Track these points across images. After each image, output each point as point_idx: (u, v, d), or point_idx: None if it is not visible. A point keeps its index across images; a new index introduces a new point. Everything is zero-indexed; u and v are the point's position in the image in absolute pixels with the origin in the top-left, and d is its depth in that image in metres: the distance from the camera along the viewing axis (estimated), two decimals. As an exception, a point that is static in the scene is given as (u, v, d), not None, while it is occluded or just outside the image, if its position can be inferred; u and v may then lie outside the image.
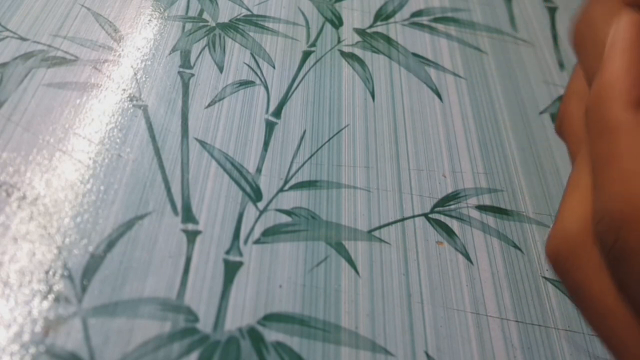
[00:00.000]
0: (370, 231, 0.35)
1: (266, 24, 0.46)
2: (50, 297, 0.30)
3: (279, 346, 0.30)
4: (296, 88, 0.42)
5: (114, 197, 0.34)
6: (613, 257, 0.17)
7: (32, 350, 0.28)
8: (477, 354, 0.31)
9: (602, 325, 0.17)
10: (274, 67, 0.43)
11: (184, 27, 0.45)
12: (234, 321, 0.31)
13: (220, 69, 0.42)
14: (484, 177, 0.39)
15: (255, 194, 0.36)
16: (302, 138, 0.39)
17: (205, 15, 0.46)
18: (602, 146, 0.18)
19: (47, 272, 0.31)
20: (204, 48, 0.43)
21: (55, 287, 0.30)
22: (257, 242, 0.34)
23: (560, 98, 0.46)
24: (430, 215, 0.37)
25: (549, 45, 0.50)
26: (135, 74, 0.41)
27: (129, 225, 0.33)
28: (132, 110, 0.38)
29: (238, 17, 0.46)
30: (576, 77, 0.25)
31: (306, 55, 0.45)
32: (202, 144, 0.38)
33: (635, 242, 0.16)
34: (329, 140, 0.40)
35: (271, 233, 0.34)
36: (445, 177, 0.39)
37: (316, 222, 0.35)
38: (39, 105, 0.38)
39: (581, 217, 0.18)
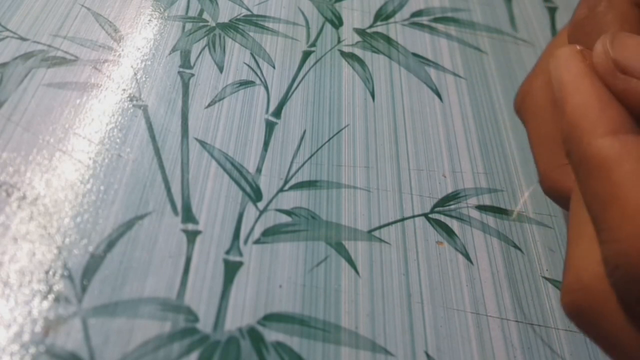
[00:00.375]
0: (370, 231, 0.35)
1: (266, 24, 0.46)
2: (50, 297, 0.30)
3: (279, 346, 0.30)
4: (296, 88, 0.42)
5: (114, 197, 0.34)
6: None
7: (32, 350, 0.28)
8: (477, 354, 0.31)
9: None
10: (274, 67, 0.43)
11: (184, 27, 0.45)
12: (234, 321, 0.31)
13: (220, 69, 0.42)
14: (484, 177, 0.39)
15: (255, 194, 0.36)
16: (302, 138, 0.39)
17: (205, 15, 0.46)
18: (596, 186, 0.16)
19: (47, 272, 0.31)
20: (204, 48, 0.43)
21: (55, 287, 0.30)
22: (257, 242, 0.34)
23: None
24: (430, 215, 0.37)
25: (549, 45, 0.50)
26: (135, 74, 0.41)
27: (129, 225, 0.33)
28: (132, 110, 0.39)
29: (238, 17, 0.46)
30: (546, 58, 0.25)
31: (306, 55, 0.45)
32: (202, 144, 0.38)
33: None
34: (329, 140, 0.40)
35: (271, 233, 0.34)
36: (445, 177, 0.39)
37: (316, 222, 0.35)
38: (39, 105, 0.38)
39: (595, 263, 0.17)
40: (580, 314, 0.17)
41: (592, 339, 0.17)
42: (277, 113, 0.40)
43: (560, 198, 0.24)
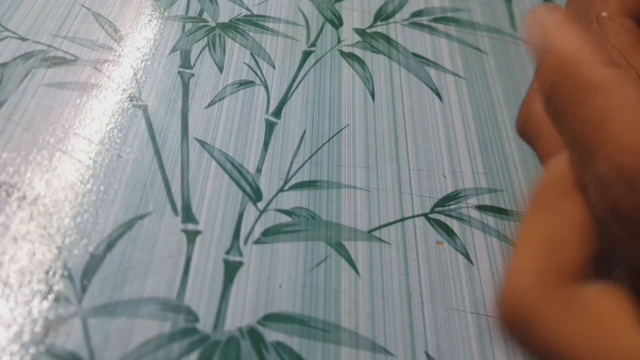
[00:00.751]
0: (370, 231, 0.35)
1: (266, 24, 0.46)
2: (50, 297, 0.30)
3: (279, 346, 0.30)
4: (296, 88, 0.42)
5: (114, 197, 0.34)
6: (626, 217, 0.15)
7: (32, 350, 0.28)
8: (477, 354, 0.31)
9: None
10: (274, 67, 0.43)
11: (184, 27, 0.45)
12: (234, 321, 0.31)
13: (220, 69, 0.42)
14: (484, 177, 0.39)
15: (255, 194, 0.36)
16: (302, 138, 0.39)
17: (205, 15, 0.46)
18: (592, 110, 0.16)
19: (47, 272, 0.31)
20: (204, 48, 0.43)
21: (55, 287, 0.30)
22: (257, 242, 0.34)
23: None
24: (430, 215, 0.37)
25: (549, 45, 0.50)
26: (135, 74, 0.41)
27: (129, 225, 0.33)
28: (132, 110, 0.39)
29: (238, 17, 0.46)
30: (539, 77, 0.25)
31: (306, 55, 0.45)
32: (202, 144, 0.38)
33: None
34: (329, 140, 0.40)
35: (271, 233, 0.34)
36: (445, 177, 0.39)
37: (316, 222, 0.35)
38: (39, 105, 0.38)
39: (536, 269, 0.16)
40: (519, 322, 0.16)
41: (530, 349, 0.17)
42: (277, 113, 0.40)
43: None
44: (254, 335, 0.30)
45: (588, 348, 0.15)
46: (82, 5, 0.45)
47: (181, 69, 0.42)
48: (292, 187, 0.37)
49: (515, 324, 0.17)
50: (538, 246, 0.17)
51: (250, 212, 0.35)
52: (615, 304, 0.15)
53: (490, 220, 0.37)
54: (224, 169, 0.37)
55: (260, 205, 0.35)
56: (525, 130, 0.24)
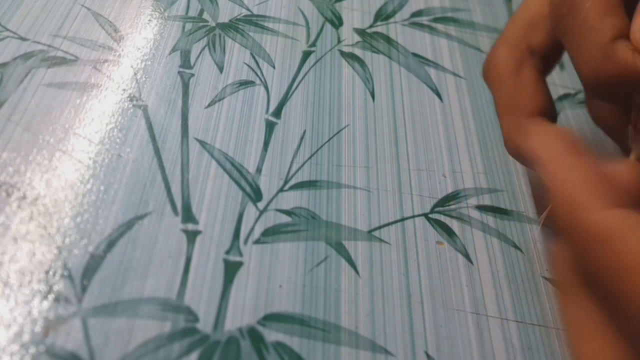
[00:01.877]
0: (370, 231, 0.35)
1: (266, 24, 0.46)
2: (50, 297, 0.30)
3: (279, 346, 0.30)
4: (296, 88, 0.42)
5: (114, 197, 0.34)
6: None
7: (32, 350, 0.28)
8: (477, 354, 0.31)
9: None
10: (274, 67, 0.43)
11: (184, 27, 0.45)
12: (234, 321, 0.31)
13: (220, 69, 0.42)
14: (484, 177, 0.39)
15: (255, 194, 0.36)
16: (302, 138, 0.39)
17: (205, 15, 0.46)
18: (604, 259, 0.15)
19: (47, 272, 0.31)
20: (204, 48, 0.43)
21: (55, 287, 0.30)
22: (257, 242, 0.34)
23: (560, 98, 0.46)
24: (430, 215, 0.37)
25: (549, 45, 0.50)
26: (135, 74, 0.41)
27: (129, 225, 0.33)
28: (132, 110, 0.39)
29: (238, 17, 0.46)
30: (510, 27, 0.25)
31: (306, 55, 0.45)
32: (202, 144, 0.38)
33: None
34: (329, 140, 0.40)
35: (271, 233, 0.34)
36: (445, 177, 0.39)
37: (316, 222, 0.35)
38: (39, 105, 0.38)
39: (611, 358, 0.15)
40: None
41: None
42: (277, 113, 0.40)
43: (521, 157, 0.26)
44: (254, 335, 0.30)
45: None
46: (82, 5, 0.45)
47: (181, 69, 0.42)
48: (292, 187, 0.37)
49: None
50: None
51: (250, 212, 0.35)
52: None
53: (490, 220, 0.37)
54: (224, 169, 0.37)
55: (260, 205, 0.35)
56: (487, 74, 0.25)
